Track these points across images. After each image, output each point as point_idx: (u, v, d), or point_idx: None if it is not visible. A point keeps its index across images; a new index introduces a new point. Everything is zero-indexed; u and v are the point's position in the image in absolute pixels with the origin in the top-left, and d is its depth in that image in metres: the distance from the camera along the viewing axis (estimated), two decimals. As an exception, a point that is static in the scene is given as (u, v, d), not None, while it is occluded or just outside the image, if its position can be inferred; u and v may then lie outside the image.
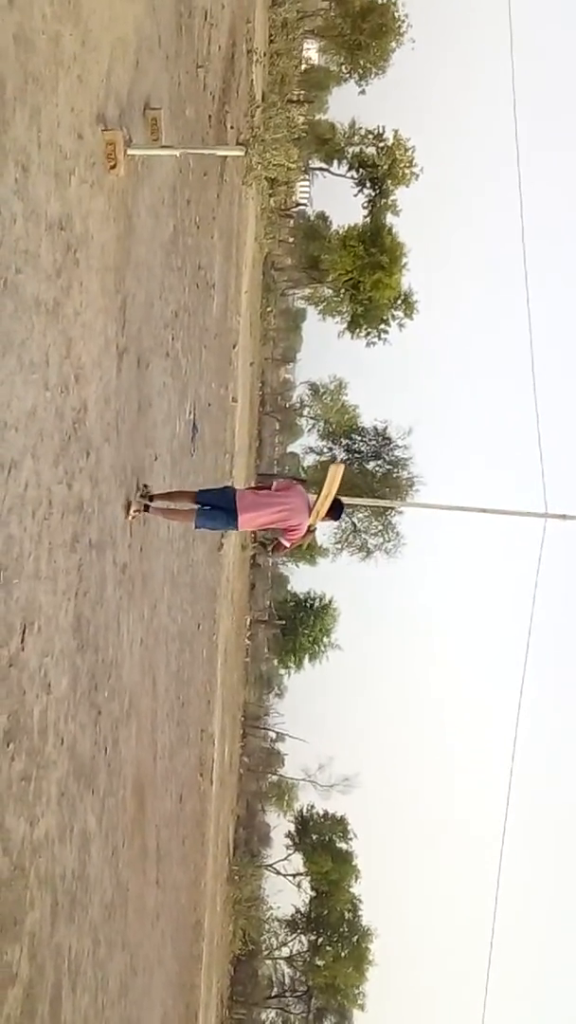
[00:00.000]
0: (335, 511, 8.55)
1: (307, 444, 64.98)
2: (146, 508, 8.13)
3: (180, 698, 12.36)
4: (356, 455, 57.01)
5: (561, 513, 21.05)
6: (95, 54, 5.88)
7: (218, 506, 8.45)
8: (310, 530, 8.55)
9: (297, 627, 69.68)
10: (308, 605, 71.53)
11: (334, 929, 58.12)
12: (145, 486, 8.22)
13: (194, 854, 15.99)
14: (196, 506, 8.60)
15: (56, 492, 5.22)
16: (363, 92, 55.13)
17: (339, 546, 58.27)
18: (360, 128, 53.44)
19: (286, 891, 60.23)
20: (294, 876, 61.28)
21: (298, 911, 59.73)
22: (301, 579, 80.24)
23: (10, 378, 4.38)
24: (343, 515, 8.85)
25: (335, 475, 8.32)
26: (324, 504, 8.36)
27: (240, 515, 8.28)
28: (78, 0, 5.35)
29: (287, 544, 8.69)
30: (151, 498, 8.21)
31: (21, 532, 4.58)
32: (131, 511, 7.71)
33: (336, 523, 8.92)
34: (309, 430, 65.75)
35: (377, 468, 55.25)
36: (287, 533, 8.57)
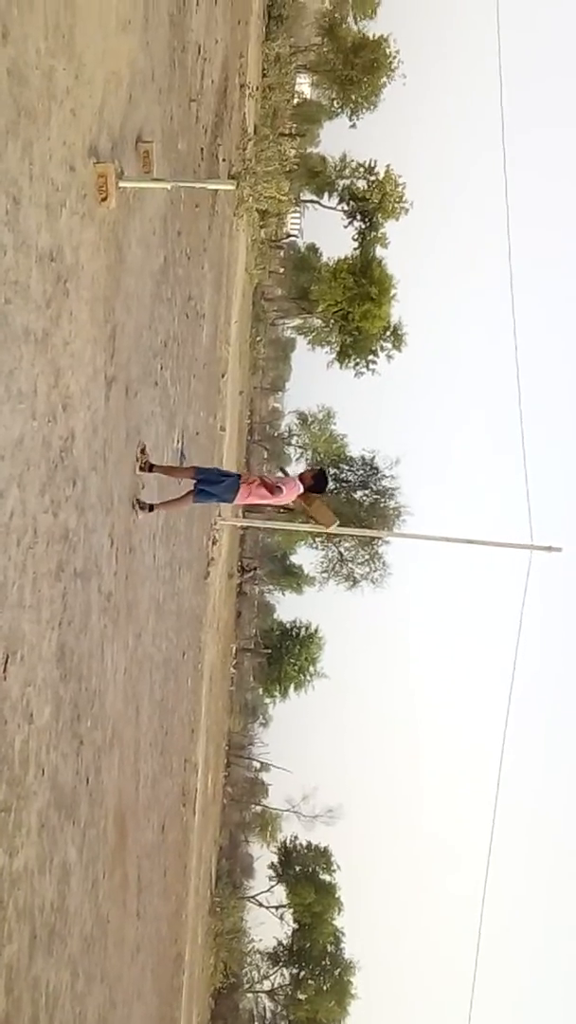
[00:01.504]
0: (320, 483, 9.61)
1: (295, 473, 64.97)
2: (150, 468, 9.04)
3: (164, 727, 12.29)
4: (343, 484, 57.07)
5: (547, 545, 21.08)
6: (88, 88, 5.95)
7: (217, 485, 9.49)
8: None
9: (283, 656, 69.47)
10: (294, 634, 71.36)
11: (316, 962, 57.51)
12: (143, 452, 8.88)
13: (176, 885, 15.83)
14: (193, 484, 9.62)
15: (41, 521, 5.22)
16: (354, 126, 55.75)
17: (325, 575, 58.20)
18: (351, 161, 53.99)
19: (268, 923, 59.63)
20: (277, 908, 60.68)
21: (280, 943, 59.10)
22: (287, 608, 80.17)
23: (-2, 407, 4.40)
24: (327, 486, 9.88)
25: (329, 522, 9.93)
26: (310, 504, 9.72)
27: (241, 487, 9.37)
28: (72, 35, 5.43)
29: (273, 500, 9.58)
30: (150, 468, 9.08)
31: (5, 561, 4.58)
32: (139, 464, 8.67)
33: (323, 489, 9.64)
34: (297, 459, 65.86)
35: (364, 498, 55.28)
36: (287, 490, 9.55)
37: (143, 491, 9.01)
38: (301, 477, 9.55)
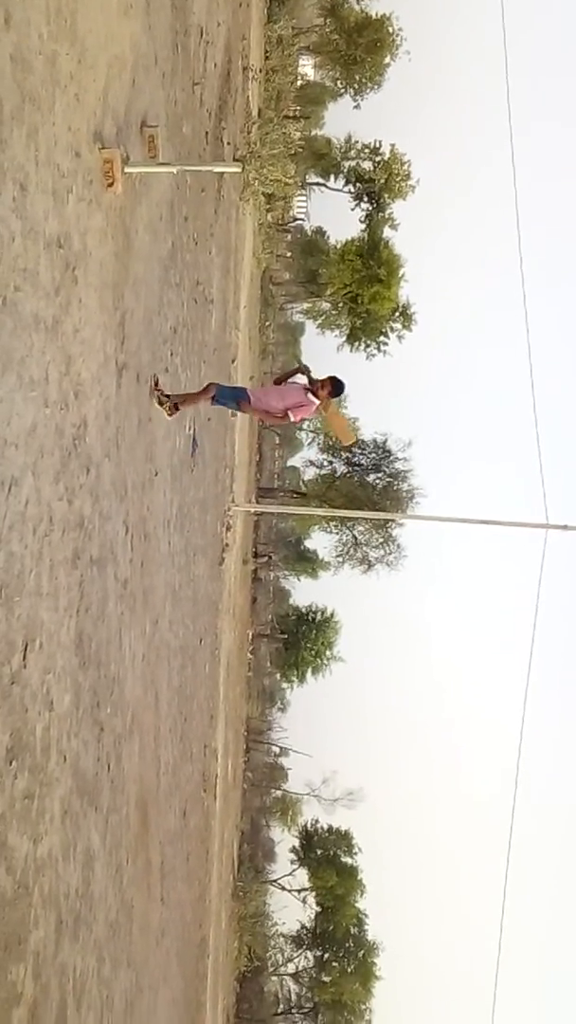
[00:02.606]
0: (337, 388, 9.37)
1: (307, 457, 64.98)
2: (176, 407, 9.23)
3: (183, 713, 12.33)
4: (356, 468, 57.00)
5: (562, 524, 20.99)
6: (92, 73, 5.92)
7: (233, 389, 9.86)
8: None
9: (299, 641, 69.59)
10: (310, 619, 71.47)
11: (340, 944, 57.82)
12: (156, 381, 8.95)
13: (198, 870, 15.92)
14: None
15: (57, 509, 5.22)
16: (358, 107, 55.46)
17: (340, 559, 58.23)
18: (356, 142, 53.73)
19: (291, 906, 59.94)
20: (299, 891, 61.00)
21: (303, 927, 59.44)
22: (303, 593, 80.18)
23: (10, 395, 4.39)
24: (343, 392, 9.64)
25: (349, 431, 9.55)
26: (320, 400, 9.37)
27: (251, 395, 9.49)
28: (74, 20, 5.39)
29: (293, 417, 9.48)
30: (175, 406, 9.23)
31: (22, 549, 4.59)
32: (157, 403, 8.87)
33: (338, 396, 9.64)
34: (309, 444, 65.76)
35: (377, 481, 55.20)
36: (297, 411, 9.43)
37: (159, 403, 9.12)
38: (314, 391, 9.31)
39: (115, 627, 7.14)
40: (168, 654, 10.68)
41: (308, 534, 72.98)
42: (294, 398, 9.16)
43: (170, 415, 9.15)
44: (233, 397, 9.66)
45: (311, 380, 9.26)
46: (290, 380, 9.59)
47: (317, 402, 9.29)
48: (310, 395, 9.22)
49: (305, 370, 9.50)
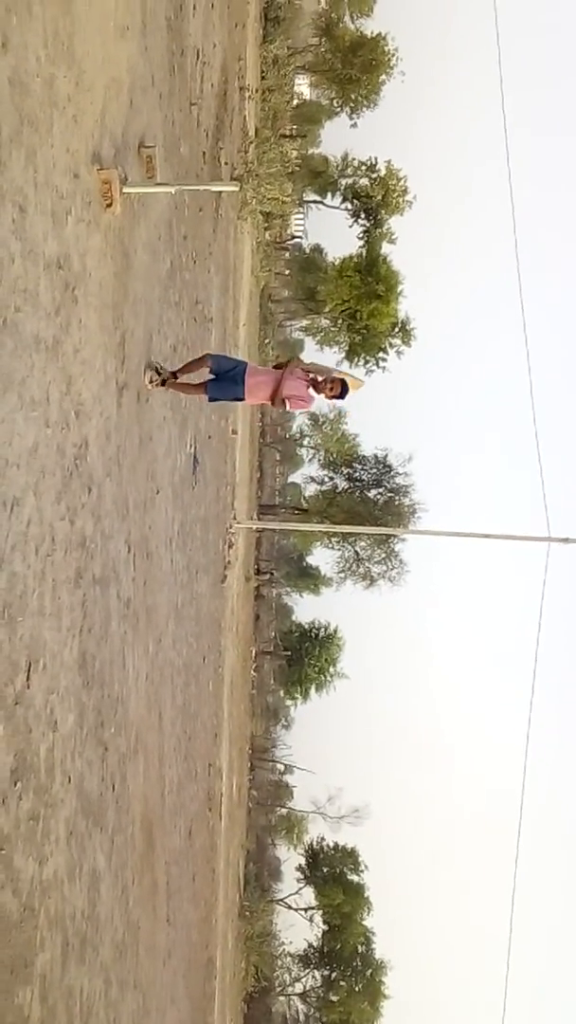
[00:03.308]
0: (340, 390, 9.00)
1: (308, 474, 65.12)
2: (163, 382, 8.81)
3: (187, 732, 12.29)
4: (357, 483, 57.05)
5: (564, 536, 21.00)
6: (89, 95, 5.96)
7: (228, 374, 9.05)
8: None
9: (303, 657, 69.48)
10: (313, 635, 71.38)
11: (347, 963, 57.44)
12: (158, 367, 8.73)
13: (204, 890, 15.83)
14: (208, 378, 9.23)
15: (59, 528, 5.22)
16: (355, 125, 55.85)
17: (342, 575, 58.18)
18: (353, 160, 54.03)
19: (298, 925, 59.63)
20: (306, 910, 60.65)
21: (311, 945, 59.06)
22: (305, 609, 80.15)
23: (11, 416, 4.40)
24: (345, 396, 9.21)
25: (352, 379, 9.11)
26: (319, 369, 8.98)
27: (247, 380, 8.94)
28: (72, 42, 5.43)
29: (291, 402, 9.06)
30: (173, 375, 8.90)
31: (24, 569, 4.58)
32: (148, 381, 8.46)
33: (340, 400, 9.36)
34: (309, 460, 65.88)
35: (378, 496, 55.24)
36: (293, 401, 9.02)
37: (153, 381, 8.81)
38: (317, 387, 8.97)
39: (118, 646, 7.13)
40: (171, 673, 10.66)
41: (310, 550, 73.04)
42: (294, 389, 8.95)
43: (150, 384, 8.63)
44: (232, 376, 9.12)
45: (317, 378, 8.99)
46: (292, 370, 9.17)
47: (316, 398, 9.10)
48: (311, 390, 9.07)
49: (299, 363, 9.22)
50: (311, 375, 8.92)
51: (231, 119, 20.85)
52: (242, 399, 9.16)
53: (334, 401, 9.24)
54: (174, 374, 8.94)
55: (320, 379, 8.92)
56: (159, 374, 8.74)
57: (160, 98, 9.25)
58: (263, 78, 38.31)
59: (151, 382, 8.57)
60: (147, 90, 8.37)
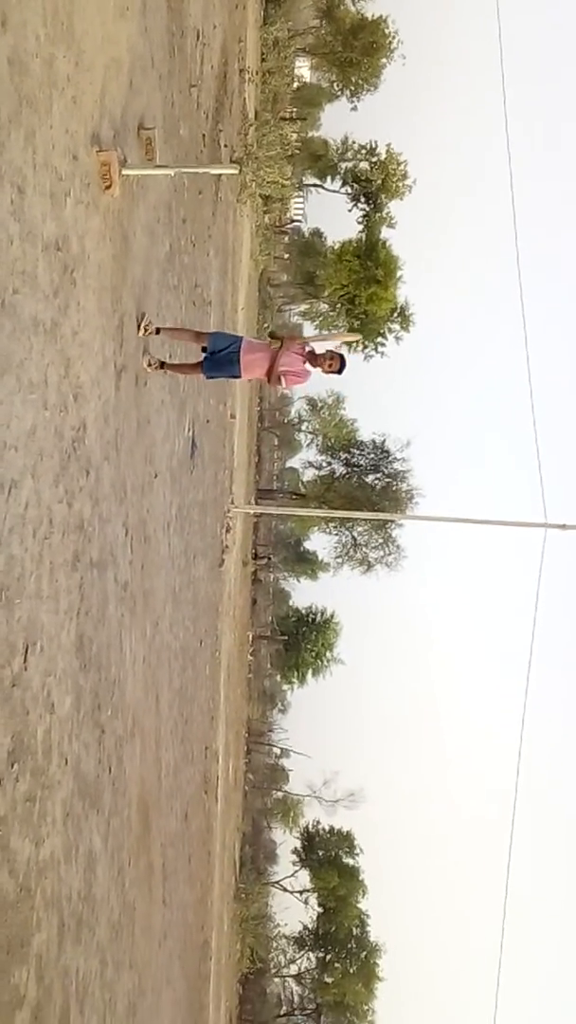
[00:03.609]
0: (339, 364, 8.77)
1: (306, 459, 65.17)
2: (161, 365, 8.71)
3: (183, 715, 12.33)
4: (355, 469, 57.04)
5: (561, 523, 20.99)
6: (89, 75, 5.92)
7: (223, 352, 8.81)
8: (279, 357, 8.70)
9: (299, 642, 69.61)
10: (310, 620, 71.50)
11: (342, 945, 57.81)
12: (147, 324, 8.40)
13: (200, 872, 15.91)
14: (202, 357, 8.99)
15: (56, 511, 5.22)
16: (355, 108, 55.49)
17: (340, 560, 58.26)
18: (353, 144, 53.77)
19: (293, 908, 59.98)
20: (301, 893, 60.99)
21: (306, 928, 59.45)
22: (302, 594, 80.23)
23: (9, 398, 4.39)
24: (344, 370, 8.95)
25: (348, 335, 8.86)
26: (316, 339, 8.75)
27: (243, 357, 8.70)
28: (71, 22, 5.39)
29: (286, 379, 8.86)
30: (158, 331, 8.56)
31: (22, 552, 4.59)
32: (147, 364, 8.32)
33: (338, 375, 9.06)
34: (308, 445, 65.90)
35: (376, 481, 55.27)
36: (288, 377, 8.82)
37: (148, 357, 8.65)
38: (315, 361, 8.72)
39: (115, 629, 7.14)
40: (168, 656, 10.68)
41: (307, 535, 73.02)
42: (290, 364, 8.70)
43: (149, 367, 8.50)
44: (227, 356, 8.83)
45: (314, 352, 8.76)
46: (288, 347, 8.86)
47: (312, 372, 8.87)
48: (307, 364, 8.91)
49: (294, 341, 8.88)
50: (308, 348, 8.75)
51: (231, 101, 20.74)
52: (238, 376, 9.04)
53: (332, 375, 8.96)
54: (158, 330, 8.60)
55: (318, 352, 8.74)
56: (155, 333, 8.56)
57: (160, 79, 9.19)
58: (263, 60, 38.07)
59: (149, 365, 8.53)
60: (147, 71, 8.32)
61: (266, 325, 50.93)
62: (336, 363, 8.74)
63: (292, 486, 71.94)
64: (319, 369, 8.80)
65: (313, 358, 8.70)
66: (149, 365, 8.51)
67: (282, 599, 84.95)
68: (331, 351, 8.80)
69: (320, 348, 8.80)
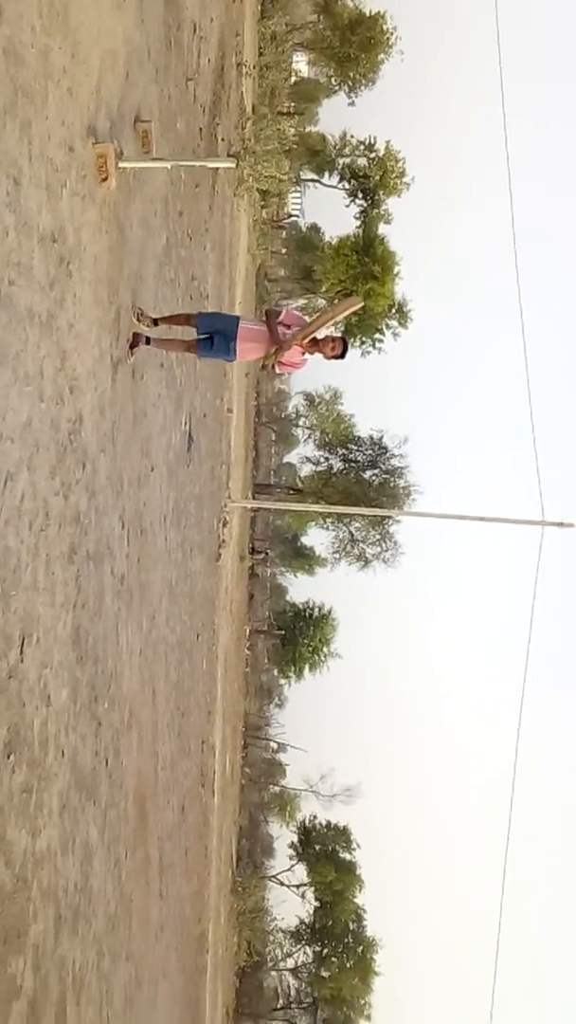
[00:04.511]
0: (342, 346, 8.43)
1: (303, 454, 65.21)
2: (147, 341, 8.15)
3: (180, 709, 12.34)
4: (352, 464, 57.05)
5: (558, 520, 21.05)
6: (85, 67, 5.91)
7: (218, 334, 8.45)
8: (282, 348, 8.29)
9: (296, 637, 69.69)
10: (307, 615, 71.56)
11: (339, 940, 57.95)
12: (140, 311, 8.08)
13: (197, 865, 15.94)
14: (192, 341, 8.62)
15: (53, 503, 5.22)
16: (353, 104, 55.38)
17: (337, 556, 58.30)
18: (351, 139, 53.70)
19: (290, 902, 60.12)
20: (298, 887, 61.14)
21: (302, 922, 59.57)
22: (300, 589, 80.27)
23: (5, 390, 4.39)
24: (346, 354, 8.50)
25: (349, 302, 8.38)
26: (319, 321, 8.23)
27: (239, 344, 8.33)
28: (67, 13, 5.38)
29: (280, 366, 8.55)
30: (155, 322, 8.22)
31: (18, 544, 4.59)
32: (128, 347, 7.73)
33: (340, 360, 8.67)
34: (305, 440, 65.98)
35: (374, 477, 55.27)
36: (283, 366, 8.53)
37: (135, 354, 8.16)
38: (315, 344, 8.30)
39: (112, 622, 7.15)
40: (165, 650, 10.69)
41: (305, 530, 73.14)
42: (290, 356, 8.27)
43: (130, 347, 7.84)
44: (222, 338, 8.43)
45: (315, 337, 8.27)
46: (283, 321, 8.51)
47: (308, 357, 8.48)
48: (306, 355, 8.35)
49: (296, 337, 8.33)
50: (309, 335, 8.27)
51: (228, 95, 20.69)
52: (232, 359, 8.82)
53: (335, 360, 8.46)
54: (155, 320, 8.33)
55: (319, 336, 8.32)
56: (142, 320, 8.14)
57: (156, 72, 9.18)
58: (261, 54, 37.99)
59: (139, 318, 8.01)
60: (143, 64, 8.30)
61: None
62: (339, 347, 8.39)
63: (289, 481, 72.00)
64: (320, 355, 8.45)
65: (314, 343, 8.33)
66: (139, 319, 7.95)
67: (279, 594, 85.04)
68: (331, 336, 8.43)
69: (322, 332, 8.37)
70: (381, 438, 56.34)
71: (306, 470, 62.52)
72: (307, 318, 8.55)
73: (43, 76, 4.96)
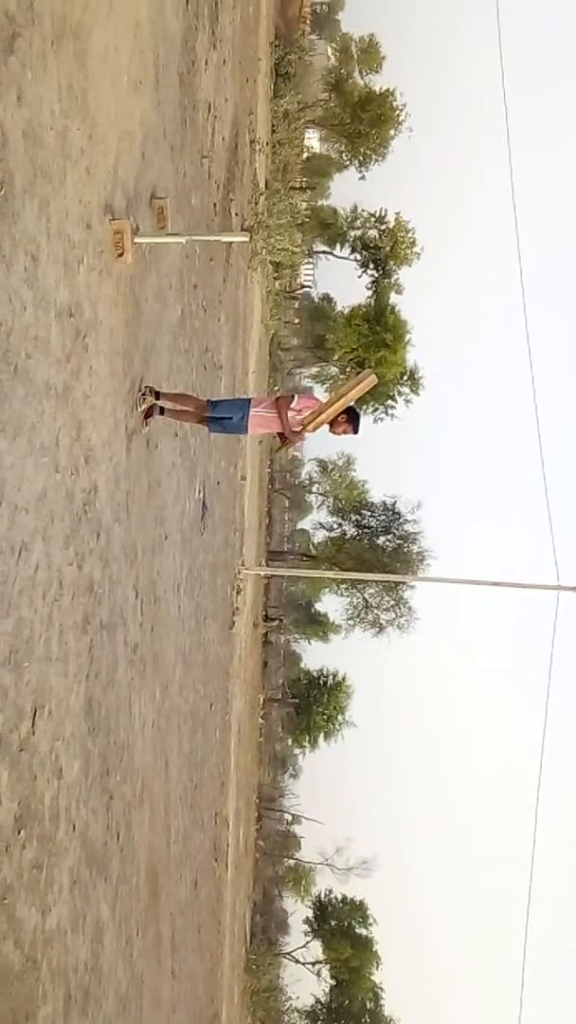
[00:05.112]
0: (354, 422, 8.38)
1: (317, 520, 65.19)
2: (162, 411, 8.17)
3: (193, 780, 12.17)
4: (366, 530, 57.00)
5: (573, 585, 20.92)
6: (102, 147, 6.07)
7: (229, 420, 8.50)
8: (303, 429, 8.33)
9: (311, 705, 68.88)
10: (322, 683, 70.82)
11: (356, 1020, 56.31)
12: (149, 388, 7.95)
13: (210, 942, 15.57)
14: (205, 416, 8.63)
15: (67, 573, 5.22)
16: (363, 178, 56.52)
17: (351, 622, 57.93)
18: (362, 212, 54.70)
19: (305, 980, 58.44)
20: (313, 964, 59.54)
21: (318, 1001, 57.87)
22: (314, 656, 79.61)
23: (21, 461, 4.42)
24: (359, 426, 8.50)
25: (363, 382, 8.27)
26: (333, 407, 8.16)
27: (250, 429, 8.41)
28: (85, 96, 5.54)
29: (287, 438, 8.48)
30: (157, 395, 8.07)
31: (32, 614, 4.58)
32: (143, 417, 7.72)
33: (355, 435, 8.60)
34: (318, 507, 65.97)
35: (387, 543, 55.14)
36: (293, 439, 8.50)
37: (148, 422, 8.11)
38: (331, 425, 8.30)
39: (125, 692, 7.09)
40: (178, 720, 10.58)
41: (319, 597, 72.82)
42: (299, 439, 8.43)
43: (144, 417, 7.83)
44: (239, 417, 8.46)
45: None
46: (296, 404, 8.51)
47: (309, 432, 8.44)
48: (319, 428, 8.58)
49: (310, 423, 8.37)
50: (319, 425, 8.30)
51: (242, 171, 21.18)
52: (245, 435, 8.94)
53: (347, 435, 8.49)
54: (158, 394, 8.11)
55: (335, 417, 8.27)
56: (151, 396, 7.96)
57: (172, 151, 9.41)
58: (274, 131, 38.94)
59: (143, 395, 7.81)
60: (159, 143, 8.52)
61: (276, 388, 51.39)
62: (350, 429, 8.39)
63: (303, 547, 71.91)
64: (333, 434, 8.46)
65: (331, 423, 8.33)
66: (143, 396, 7.75)
67: (293, 661, 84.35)
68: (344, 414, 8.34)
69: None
70: (394, 503, 56.37)
71: (320, 536, 62.45)
72: (321, 399, 8.55)
73: (61, 156, 5.09)
